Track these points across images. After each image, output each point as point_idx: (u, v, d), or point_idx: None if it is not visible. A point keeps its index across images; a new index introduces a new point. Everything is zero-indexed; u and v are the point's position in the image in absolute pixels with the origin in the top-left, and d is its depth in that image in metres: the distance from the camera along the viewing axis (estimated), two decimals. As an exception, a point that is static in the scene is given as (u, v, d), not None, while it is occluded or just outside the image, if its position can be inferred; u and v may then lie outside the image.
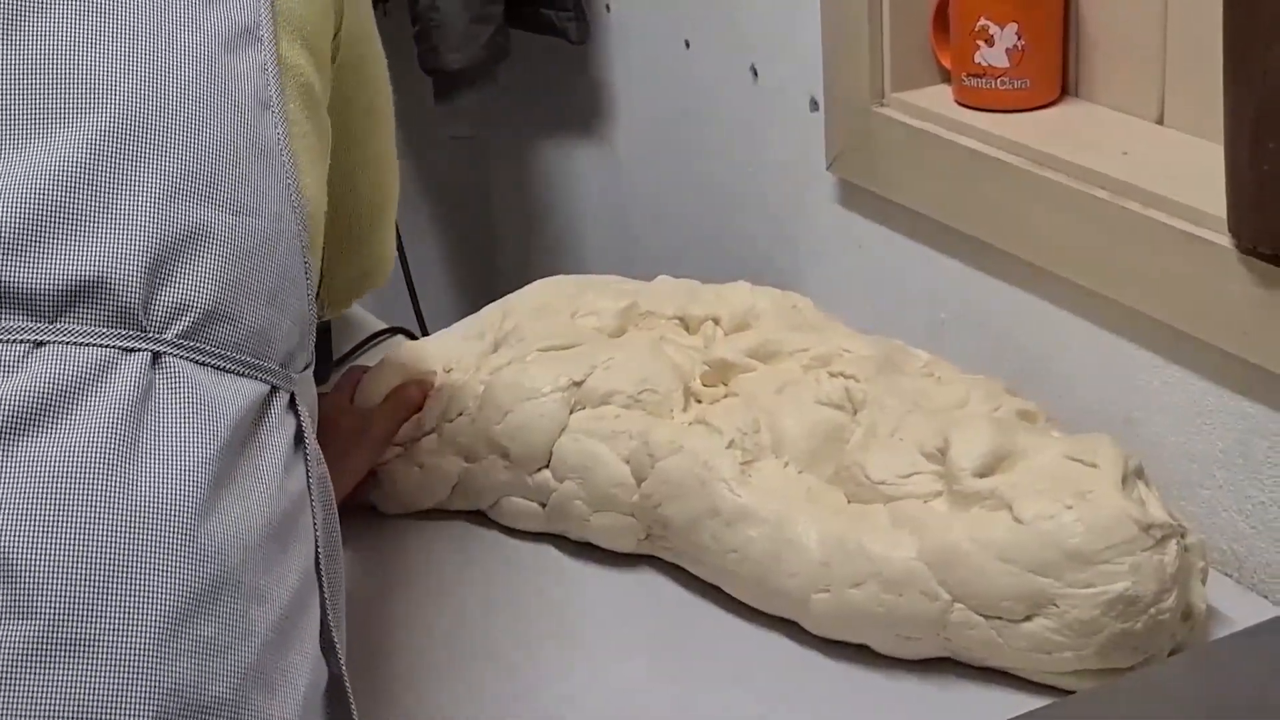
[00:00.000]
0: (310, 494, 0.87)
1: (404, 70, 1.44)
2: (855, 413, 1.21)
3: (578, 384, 1.27)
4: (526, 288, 1.44)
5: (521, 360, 1.29)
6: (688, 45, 1.73)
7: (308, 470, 0.87)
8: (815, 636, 1.14)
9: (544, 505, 1.27)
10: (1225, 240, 1.13)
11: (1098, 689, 1.05)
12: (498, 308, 1.42)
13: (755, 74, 1.62)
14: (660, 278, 1.45)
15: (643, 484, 1.21)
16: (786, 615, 1.16)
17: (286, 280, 0.87)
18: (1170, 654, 1.08)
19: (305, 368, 0.90)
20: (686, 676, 1.13)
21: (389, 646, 1.18)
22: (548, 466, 1.26)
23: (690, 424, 1.23)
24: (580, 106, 1.95)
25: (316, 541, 0.87)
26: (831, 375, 1.24)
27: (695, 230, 1.80)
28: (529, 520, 1.29)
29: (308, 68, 0.92)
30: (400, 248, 1.52)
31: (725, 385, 1.28)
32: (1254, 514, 1.19)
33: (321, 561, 0.87)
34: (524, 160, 2.09)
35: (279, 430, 0.85)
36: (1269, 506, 1.18)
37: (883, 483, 1.15)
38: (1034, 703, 1.05)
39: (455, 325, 1.44)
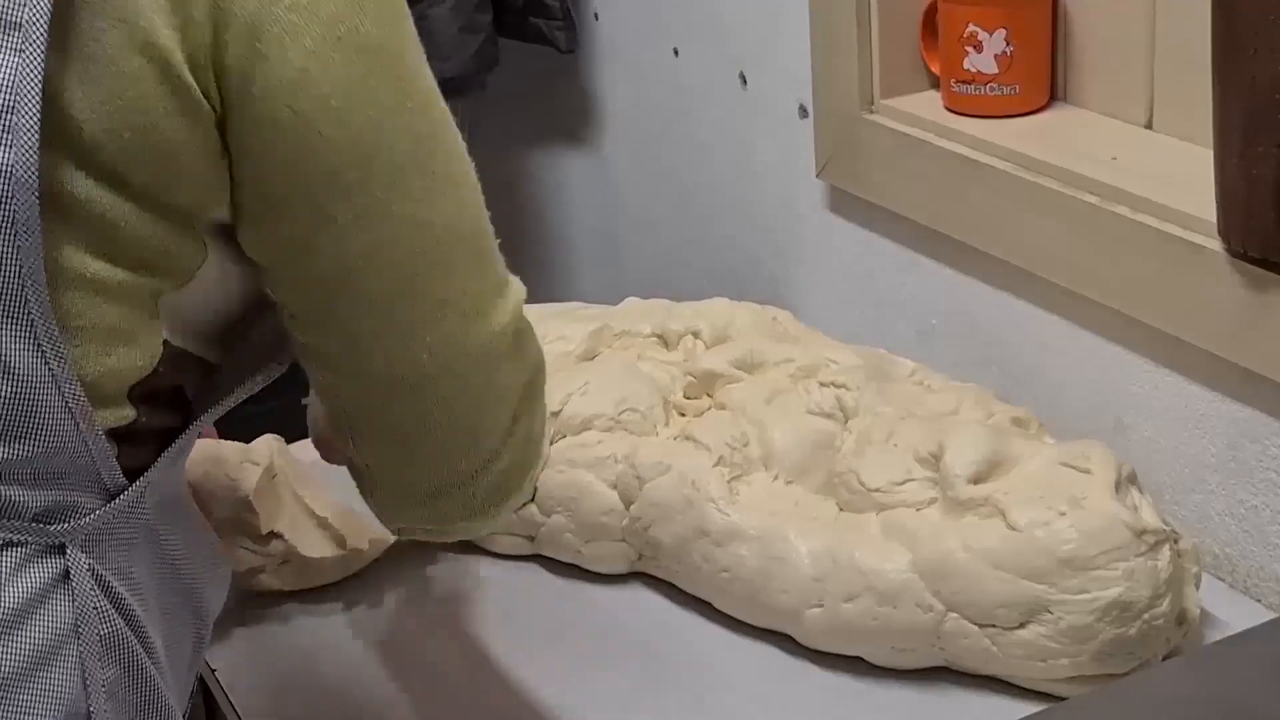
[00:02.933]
0: (79, 638, 0.81)
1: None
2: (846, 421, 1.21)
3: (555, 413, 1.24)
4: None
5: None
6: (676, 53, 1.73)
7: (77, 614, 0.81)
8: (808, 648, 1.14)
9: (532, 539, 1.26)
10: (1215, 244, 1.13)
11: (1092, 694, 1.05)
12: None
13: (744, 81, 1.62)
14: (628, 299, 1.44)
15: (631, 507, 1.21)
16: (780, 629, 1.15)
17: (36, 443, 0.79)
18: (1165, 659, 1.08)
19: (103, 506, 0.83)
20: (677, 688, 1.13)
21: (378, 657, 1.18)
22: (532, 501, 1.24)
23: (676, 439, 1.22)
24: (569, 114, 1.95)
25: (87, 689, 0.82)
26: (822, 385, 1.23)
27: (684, 236, 1.80)
28: (517, 550, 1.28)
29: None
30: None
31: (710, 397, 1.28)
32: (1246, 518, 1.19)
33: (95, 709, 0.82)
34: (513, 168, 2.09)
35: (15, 581, 0.81)
36: (1261, 510, 1.18)
37: (877, 490, 1.14)
38: (1029, 709, 1.05)
39: None
